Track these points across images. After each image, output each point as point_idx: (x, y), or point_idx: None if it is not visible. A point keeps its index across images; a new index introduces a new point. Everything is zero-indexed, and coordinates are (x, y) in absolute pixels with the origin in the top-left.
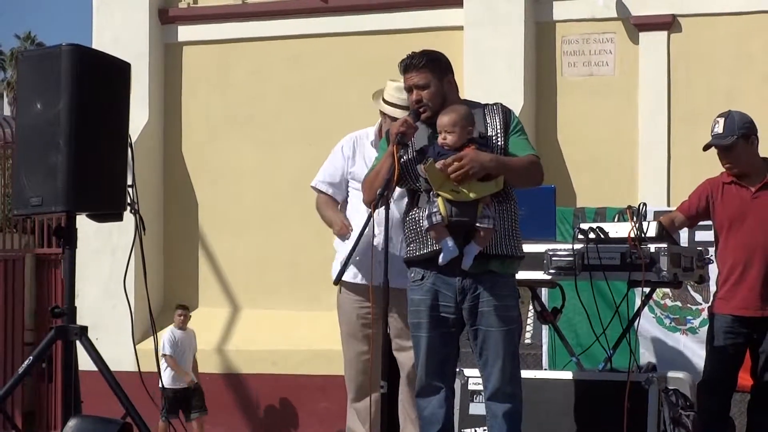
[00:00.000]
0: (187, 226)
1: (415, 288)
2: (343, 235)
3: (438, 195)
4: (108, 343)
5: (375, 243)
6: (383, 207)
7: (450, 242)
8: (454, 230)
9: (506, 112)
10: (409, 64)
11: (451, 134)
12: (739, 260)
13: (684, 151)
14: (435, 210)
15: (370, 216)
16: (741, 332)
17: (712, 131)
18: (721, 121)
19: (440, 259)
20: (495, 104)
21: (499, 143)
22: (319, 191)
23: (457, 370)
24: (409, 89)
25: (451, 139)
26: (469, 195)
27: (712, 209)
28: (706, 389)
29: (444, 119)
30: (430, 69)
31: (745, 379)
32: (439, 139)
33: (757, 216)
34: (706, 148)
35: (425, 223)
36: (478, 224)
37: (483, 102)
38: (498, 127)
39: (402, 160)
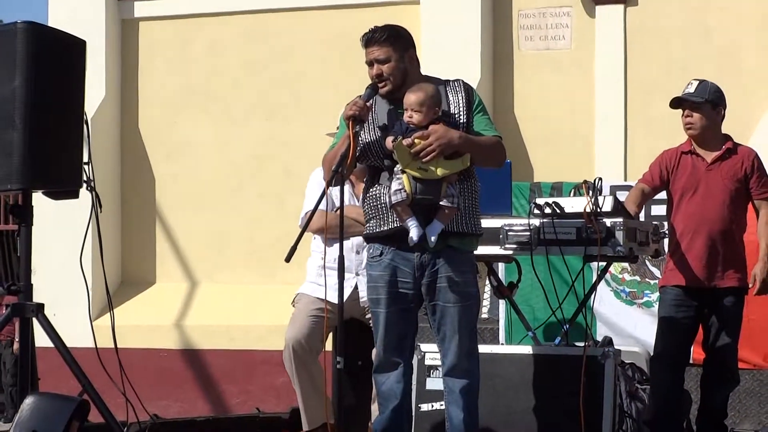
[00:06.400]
0: (145, 202)
1: (373, 264)
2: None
3: (404, 172)
4: (65, 319)
5: None
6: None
7: (414, 221)
8: (418, 208)
9: (468, 90)
10: (370, 38)
11: (418, 113)
12: (688, 230)
13: (640, 125)
14: (400, 187)
15: (323, 193)
16: (691, 304)
17: (683, 92)
18: (695, 83)
19: (414, 239)
20: (456, 81)
21: (462, 121)
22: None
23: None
24: (369, 63)
25: (417, 118)
26: (437, 173)
27: (670, 178)
28: (658, 364)
29: (411, 98)
30: (392, 43)
31: (699, 353)
32: (405, 117)
33: (709, 188)
34: (673, 102)
35: (391, 200)
36: (442, 202)
37: (443, 78)
38: (461, 104)
39: (361, 137)
